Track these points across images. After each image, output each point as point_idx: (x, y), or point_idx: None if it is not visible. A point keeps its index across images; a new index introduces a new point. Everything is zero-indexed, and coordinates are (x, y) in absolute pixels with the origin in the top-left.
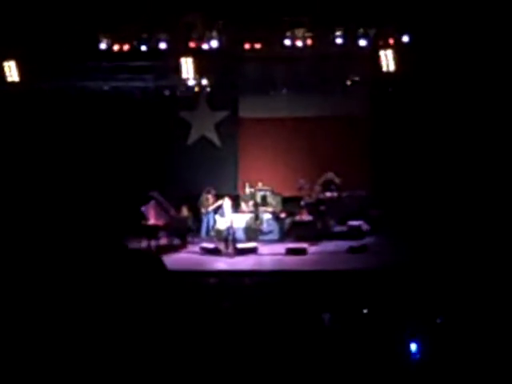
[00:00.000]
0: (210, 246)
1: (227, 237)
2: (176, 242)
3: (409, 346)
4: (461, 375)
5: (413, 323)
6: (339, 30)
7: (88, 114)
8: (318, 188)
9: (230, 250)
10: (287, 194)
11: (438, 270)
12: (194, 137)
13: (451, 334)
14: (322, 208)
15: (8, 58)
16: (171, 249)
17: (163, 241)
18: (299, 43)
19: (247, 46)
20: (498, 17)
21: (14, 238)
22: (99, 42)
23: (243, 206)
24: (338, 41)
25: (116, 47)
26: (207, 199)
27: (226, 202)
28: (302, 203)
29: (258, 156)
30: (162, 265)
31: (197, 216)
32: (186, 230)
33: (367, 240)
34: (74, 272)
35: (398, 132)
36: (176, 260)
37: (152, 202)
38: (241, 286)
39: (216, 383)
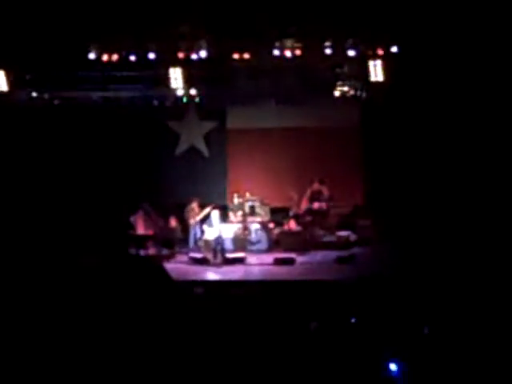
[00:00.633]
0: (198, 255)
1: (215, 247)
2: (164, 252)
3: (388, 366)
4: None
5: (395, 341)
6: (328, 41)
7: (76, 124)
8: (306, 199)
9: (218, 259)
10: (275, 204)
11: (426, 281)
12: (182, 147)
13: (435, 350)
14: (309, 219)
15: None
16: (159, 259)
17: (151, 251)
18: (288, 54)
19: (236, 57)
20: (487, 27)
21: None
22: (88, 51)
23: (231, 216)
24: (327, 51)
25: (105, 57)
26: (193, 209)
27: (214, 213)
28: (291, 214)
29: (247, 166)
30: (164, 272)
31: (185, 226)
32: (174, 240)
33: (355, 250)
34: (76, 277)
35: (388, 142)
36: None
37: (140, 212)
38: (229, 295)
39: None
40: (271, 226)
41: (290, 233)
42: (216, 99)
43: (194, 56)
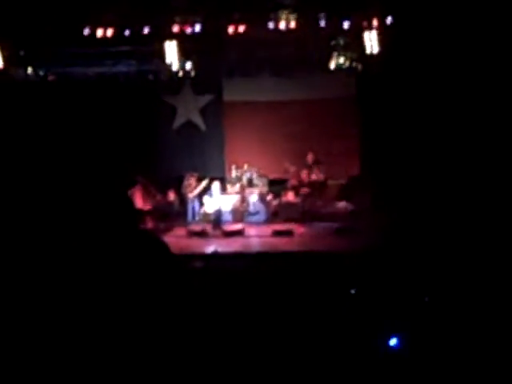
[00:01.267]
0: (197, 228)
1: (215, 219)
2: (162, 226)
3: (388, 340)
4: (444, 369)
5: (395, 312)
6: (323, 13)
7: (71, 100)
8: (304, 170)
9: (217, 232)
10: (273, 176)
11: (424, 252)
12: (179, 121)
13: (437, 320)
14: (307, 190)
15: None
16: (158, 233)
17: (149, 225)
18: (283, 26)
19: (231, 30)
20: None
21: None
22: (82, 27)
23: (229, 188)
24: (322, 23)
25: (99, 32)
26: (190, 184)
27: (215, 184)
28: (288, 185)
29: (244, 139)
30: (166, 247)
31: (183, 200)
32: (173, 214)
33: (353, 221)
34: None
35: (385, 112)
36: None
37: (138, 186)
38: (229, 268)
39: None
40: (269, 197)
41: (289, 204)
42: (212, 73)
43: (188, 30)
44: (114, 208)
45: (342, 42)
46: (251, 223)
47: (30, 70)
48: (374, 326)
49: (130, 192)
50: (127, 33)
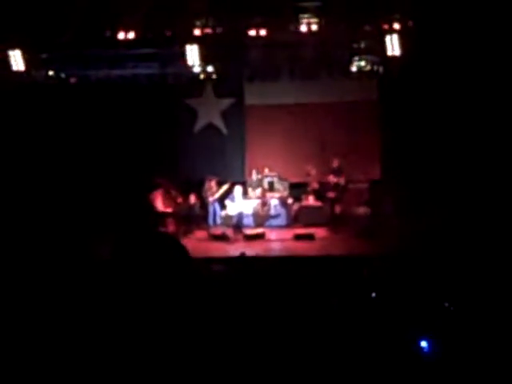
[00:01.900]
0: (218, 232)
1: (236, 223)
2: (183, 229)
3: (419, 343)
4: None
5: (422, 318)
6: (344, 16)
7: (94, 103)
8: (327, 174)
9: (238, 235)
10: (294, 179)
11: (447, 256)
12: (200, 124)
13: (464, 326)
14: (331, 194)
15: (13, 47)
16: (178, 236)
17: (170, 228)
18: (304, 29)
19: (252, 33)
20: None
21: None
22: (104, 29)
23: (250, 192)
24: (343, 26)
25: (121, 35)
26: (211, 187)
27: (237, 188)
28: (309, 189)
29: (265, 142)
30: (184, 250)
31: (204, 203)
32: (194, 217)
33: (374, 226)
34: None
35: (407, 116)
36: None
37: (159, 189)
38: (249, 272)
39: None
40: (290, 201)
41: (309, 208)
42: (233, 76)
43: (210, 33)
44: (135, 210)
45: (363, 45)
46: (272, 227)
47: (51, 72)
48: (395, 328)
49: (151, 195)
50: (149, 35)
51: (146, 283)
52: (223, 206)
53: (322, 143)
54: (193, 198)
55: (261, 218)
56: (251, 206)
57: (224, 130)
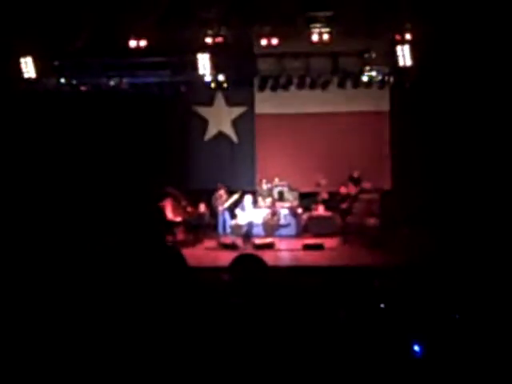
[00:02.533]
0: (227, 241)
1: (245, 232)
2: (192, 237)
3: (412, 346)
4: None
5: (423, 324)
6: (355, 26)
7: (105, 111)
8: (339, 184)
9: (248, 245)
10: (304, 189)
11: (459, 268)
12: (211, 133)
13: (464, 335)
14: (343, 205)
15: (25, 54)
16: (188, 244)
17: (180, 236)
18: (315, 39)
19: (263, 42)
20: None
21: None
22: (115, 38)
23: (260, 201)
24: (355, 36)
25: (132, 43)
26: (220, 196)
27: (247, 198)
28: (319, 199)
29: (275, 152)
30: (183, 260)
31: (214, 212)
32: (203, 226)
33: (384, 236)
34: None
35: (419, 126)
36: (193, 256)
37: (169, 198)
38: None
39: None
40: (300, 211)
41: (319, 218)
42: (244, 84)
43: (221, 41)
44: (143, 219)
45: (374, 55)
46: (282, 237)
47: (62, 80)
48: (402, 338)
49: (161, 204)
50: (160, 44)
51: (141, 289)
52: (233, 216)
53: (331, 153)
54: (203, 207)
55: (270, 228)
56: (261, 216)
57: (234, 139)
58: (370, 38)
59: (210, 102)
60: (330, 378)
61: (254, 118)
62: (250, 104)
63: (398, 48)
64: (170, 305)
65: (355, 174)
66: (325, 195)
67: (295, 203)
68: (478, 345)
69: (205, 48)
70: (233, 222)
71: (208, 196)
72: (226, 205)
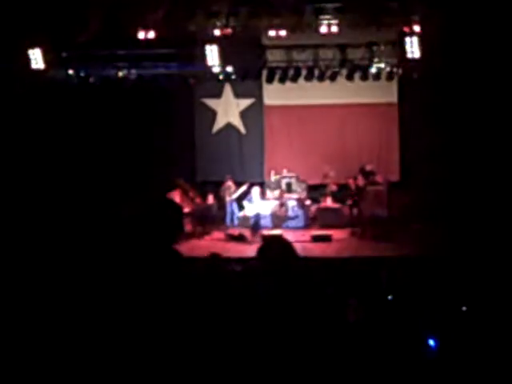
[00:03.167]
0: (235, 232)
1: (253, 224)
2: (201, 229)
3: (426, 341)
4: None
5: (432, 316)
6: (364, 17)
7: (113, 102)
8: (349, 176)
9: (256, 237)
10: (312, 181)
11: (468, 260)
12: (219, 124)
13: (473, 328)
14: (351, 197)
15: (33, 46)
16: (196, 236)
17: (188, 228)
18: (324, 30)
19: (272, 34)
20: None
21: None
22: (124, 29)
23: (268, 193)
24: (363, 28)
25: (141, 34)
26: (229, 187)
27: (255, 189)
28: (327, 190)
29: (284, 143)
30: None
31: (222, 204)
32: (211, 218)
33: (392, 228)
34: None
35: (427, 117)
36: (200, 247)
37: (177, 190)
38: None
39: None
40: (308, 202)
41: (327, 210)
42: (252, 76)
43: (230, 33)
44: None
45: (382, 46)
46: (289, 228)
47: (70, 71)
48: (408, 329)
49: (169, 195)
50: (169, 35)
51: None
52: (241, 207)
53: (339, 145)
54: (211, 199)
55: (278, 219)
56: (269, 207)
57: (243, 131)
58: (378, 30)
59: (218, 94)
60: (341, 370)
61: (263, 109)
62: (259, 96)
63: (407, 40)
64: (178, 294)
65: (368, 168)
66: (333, 187)
67: (303, 195)
68: (487, 336)
69: (213, 40)
70: (241, 214)
71: (216, 187)
72: (234, 196)
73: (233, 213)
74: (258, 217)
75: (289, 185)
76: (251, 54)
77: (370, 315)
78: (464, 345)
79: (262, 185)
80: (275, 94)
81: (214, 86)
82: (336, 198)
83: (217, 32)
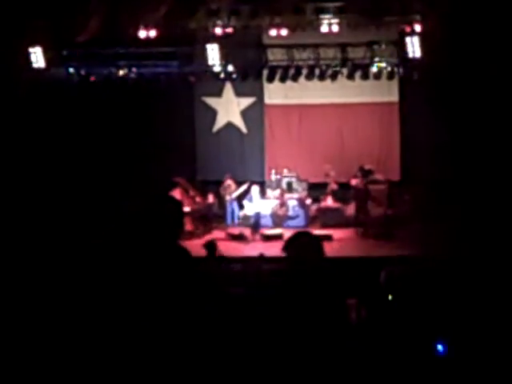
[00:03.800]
0: (236, 232)
1: (254, 223)
2: (201, 228)
3: (435, 346)
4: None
5: (439, 322)
6: (365, 17)
7: (113, 100)
8: (350, 176)
9: (256, 236)
10: (313, 180)
11: (469, 260)
12: (219, 123)
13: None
14: (352, 196)
15: (34, 44)
16: (196, 235)
17: (188, 227)
18: (325, 29)
19: (273, 33)
20: None
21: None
22: (124, 28)
23: (269, 192)
24: (364, 27)
25: (142, 33)
26: (229, 186)
27: (254, 188)
28: (328, 190)
29: (284, 142)
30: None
31: (222, 203)
32: (212, 217)
33: (393, 227)
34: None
35: (428, 117)
36: (201, 246)
37: (177, 188)
38: (267, 272)
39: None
40: (308, 202)
41: (328, 209)
42: (253, 75)
43: (231, 32)
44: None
45: (383, 46)
46: (290, 227)
47: (71, 69)
48: (410, 331)
49: (170, 194)
50: (170, 34)
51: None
52: (241, 206)
53: (340, 144)
54: (211, 198)
55: (279, 219)
56: (269, 207)
57: (243, 130)
58: (379, 29)
59: (218, 93)
60: (338, 363)
61: (263, 108)
62: (259, 95)
63: (407, 39)
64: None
65: (367, 167)
66: (334, 186)
67: (304, 194)
68: (488, 337)
69: (214, 38)
70: (241, 213)
71: (217, 187)
72: (234, 195)
73: (233, 212)
74: (258, 216)
75: (289, 184)
76: (252, 53)
77: (371, 316)
78: (465, 345)
79: (262, 184)
80: (276, 93)
81: (215, 84)
82: (337, 197)
83: (218, 31)
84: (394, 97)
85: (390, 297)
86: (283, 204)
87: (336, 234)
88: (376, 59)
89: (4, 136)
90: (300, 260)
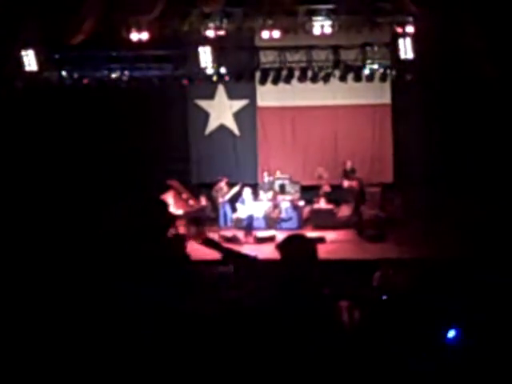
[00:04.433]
0: (229, 234)
1: (247, 225)
2: (195, 230)
3: (446, 333)
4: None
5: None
6: (357, 18)
7: (106, 103)
8: (340, 177)
9: (249, 238)
10: (306, 182)
11: (459, 260)
12: (212, 126)
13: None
14: (346, 199)
15: (26, 47)
16: (189, 238)
17: (181, 230)
18: (317, 32)
19: (265, 35)
20: None
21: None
22: (117, 31)
23: (262, 194)
24: (357, 29)
25: (134, 36)
26: (221, 188)
27: (246, 191)
28: (321, 192)
29: (277, 145)
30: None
31: (215, 205)
32: (205, 219)
33: (385, 229)
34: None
35: (420, 118)
36: (194, 249)
37: (170, 191)
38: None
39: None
40: (301, 204)
41: (321, 211)
42: (246, 77)
43: (223, 34)
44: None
45: (376, 48)
46: (283, 230)
47: (64, 73)
48: (404, 332)
49: (162, 197)
50: (162, 37)
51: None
52: (234, 209)
53: (333, 146)
54: (204, 200)
55: (272, 221)
56: (262, 209)
57: (236, 132)
58: (371, 31)
59: (211, 95)
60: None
61: (256, 111)
62: (252, 97)
63: (400, 41)
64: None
65: (347, 166)
66: (327, 188)
67: (296, 196)
68: (490, 338)
69: (206, 41)
70: (234, 216)
71: (209, 189)
72: (227, 197)
73: (226, 214)
74: (251, 218)
75: (282, 186)
76: (244, 56)
77: (364, 317)
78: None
79: (255, 186)
80: (268, 96)
81: (208, 87)
82: (329, 199)
83: (210, 33)
84: (387, 99)
85: (383, 297)
86: (276, 206)
87: (329, 235)
88: (368, 61)
89: None
90: (293, 262)
